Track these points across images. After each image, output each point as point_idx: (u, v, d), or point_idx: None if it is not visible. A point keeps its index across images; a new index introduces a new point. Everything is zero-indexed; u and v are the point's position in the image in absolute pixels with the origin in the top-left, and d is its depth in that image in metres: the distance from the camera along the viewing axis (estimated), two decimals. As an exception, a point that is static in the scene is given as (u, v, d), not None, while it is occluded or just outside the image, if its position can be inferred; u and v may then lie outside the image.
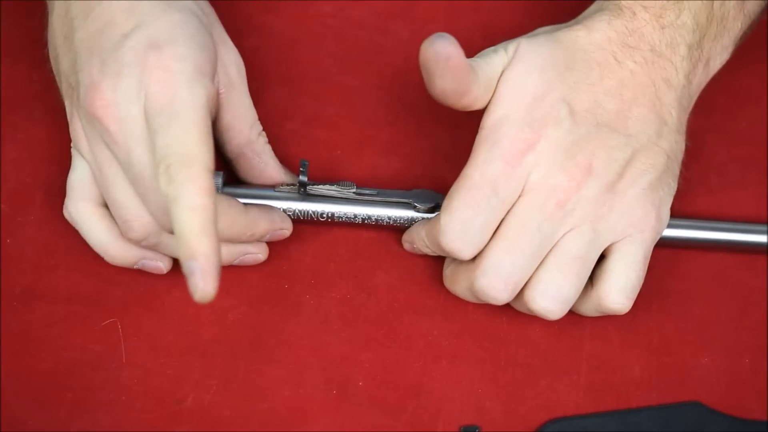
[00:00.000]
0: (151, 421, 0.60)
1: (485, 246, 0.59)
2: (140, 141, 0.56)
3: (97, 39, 0.57)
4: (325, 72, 0.69)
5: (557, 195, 0.59)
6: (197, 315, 0.63)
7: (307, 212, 0.64)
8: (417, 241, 0.63)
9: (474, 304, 0.64)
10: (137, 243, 0.60)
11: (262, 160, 0.64)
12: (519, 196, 0.59)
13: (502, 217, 0.59)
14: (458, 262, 0.62)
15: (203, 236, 0.52)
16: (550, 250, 0.59)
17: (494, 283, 0.59)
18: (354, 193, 0.64)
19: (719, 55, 0.63)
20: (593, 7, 0.62)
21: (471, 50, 0.66)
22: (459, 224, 0.59)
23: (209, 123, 0.56)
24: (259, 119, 0.64)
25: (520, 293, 0.60)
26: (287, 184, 0.64)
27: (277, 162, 0.64)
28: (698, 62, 0.62)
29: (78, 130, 0.60)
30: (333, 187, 0.64)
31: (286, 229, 0.63)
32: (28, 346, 0.62)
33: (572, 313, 0.62)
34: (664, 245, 0.64)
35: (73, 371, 0.61)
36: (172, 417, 0.60)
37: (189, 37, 0.57)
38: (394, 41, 0.70)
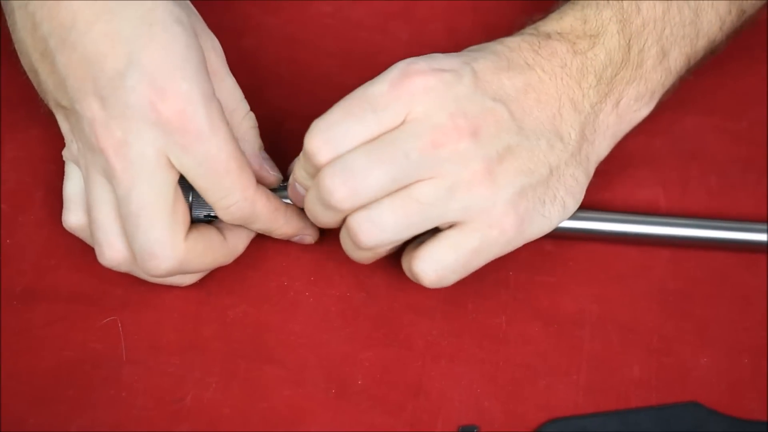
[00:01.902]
0: (152, 418, 0.60)
1: None
2: (145, 181, 0.57)
3: (86, 70, 0.57)
4: (325, 72, 0.69)
5: (436, 134, 0.57)
6: (197, 313, 0.63)
7: None
8: (296, 165, 0.61)
9: (473, 303, 0.64)
10: (108, 268, 0.61)
11: (242, 148, 0.63)
12: (398, 125, 0.58)
13: (373, 135, 0.57)
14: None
15: (284, 225, 0.62)
16: (398, 189, 0.58)
17: (338, 177, 0.57)
18: None
19: (633, 101, 0.63)
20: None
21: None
22: (325, 124, 0.58)
23: (231, 132, 0.58)
24: (259, 119, 0.64)
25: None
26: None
27: (259, 152, 0.64)
28: (606, 97, 0.62)
29: (75, 149, 0.60)
30: None
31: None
32: (28, 345, 0.62)
33: (572, 314, 0.62)
34: (665, 244, 0.64)
35: (74, 370, 0.61)
36: (172, 415, 0.60)
37: (185, 62, 0.57)
38: (394, 41, 0.70)
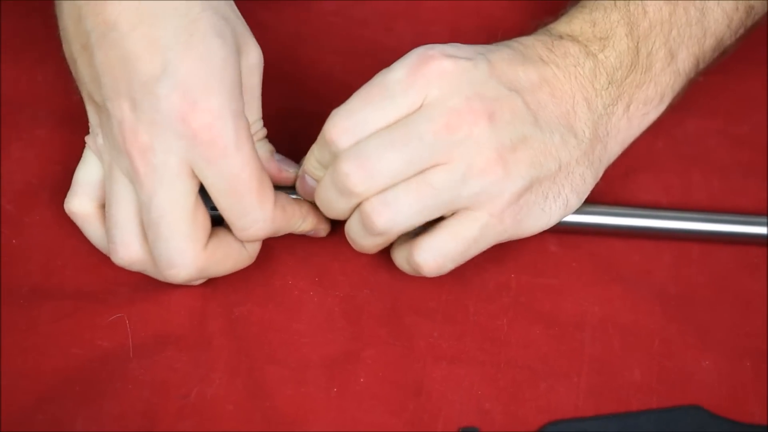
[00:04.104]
0: (157, 414, 0.61)
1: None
2: (166, 189, 0.57)
3: (122, 70, 0.57)
4: (328, 70, 0.69)
5: (451, 117, 0.58)
6: (203, 310, 0.63)
7: None
8: (308, 158, 0.61)
9: (475, 305, 0.64)
10: (122, 267, 0.61)
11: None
12: (415, 110, 0.58)
13: (392, 121, 0.58)
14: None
15: (301, 226, 0.63)
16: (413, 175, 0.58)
17: (354, 162, 0.57)
18: None
19: (643, 104, 0.63)
20: None
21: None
22: (344, 113, 0.58)
23: (256, 151, 0.59)
24: (263, 117, 0.64)
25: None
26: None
27: (270, 156, 0.63)
28: (618, 100, 0.62)
29: (101, 142, 0.60)
30: None
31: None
32: (35, 343, 0.62)
33: (573, 317, 0.62)
34: (665, 238, 0.64)
35: (81, 366, 0.62)
36: (177, 411, 0.61)
37: (219, 77, 0.57)
38: (398, 41, 0.70)
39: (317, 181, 0.61)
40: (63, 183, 0.64)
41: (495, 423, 0.62)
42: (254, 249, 0.63)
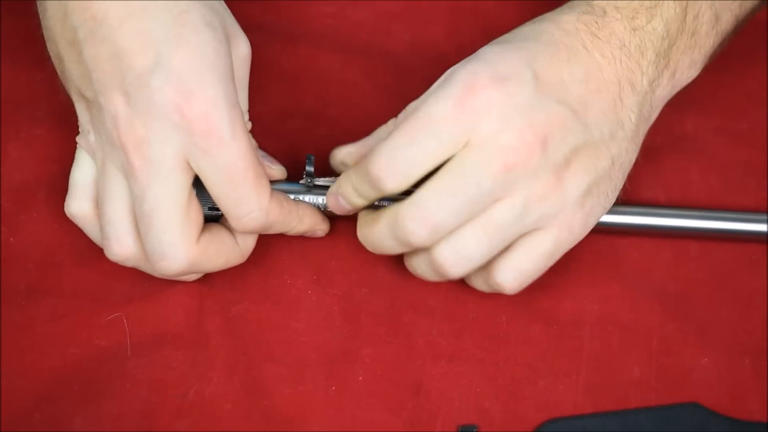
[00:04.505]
0: (155, 412, 0.61)
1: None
2: (161, 181, 0.57)
3: (114, 65, 0.57)
4: (326, 71, 0.69)
5: (506, 156, 0.57)
6: (201, 309, 0.63)
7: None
8: (343, 182, 0.61)
9: (474, 303, 0.64)
10: (115, 263, 0.61)
11: None
12: (464, 146, 0.57)
13: (439, 160, 0.57)
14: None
15: (297, 226, 0.63)
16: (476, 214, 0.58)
17: (418, 218, 0.57)
18: None
19: (687, 69, 0.63)
20: (562, 6, 0.61)
21: (472, 51, 0.65)
22: (390, 150, 0.57)
23: (251, 141, 0.59)
24: (260, 117, 0.65)
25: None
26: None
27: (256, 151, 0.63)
28: (664, 71, 0.62)
29: (93, 139, 0.60)
30: None
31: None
32: (33, 342, 0.62)
33: (572, 314, 0.62)
34: (664, 235, 0.64)
35: (79, 365, 0.62)
36: (175, 409, 0.61)
37: (213, 67, 0.57)
38: (395, 42, 0.70)
39: (351, 205, 0.61)
40: (61, 182, 0.64)
41: (494, 421, 0.62)
42: (247, 247, 0.62)
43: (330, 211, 0.63)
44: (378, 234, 0.60)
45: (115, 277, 0.64)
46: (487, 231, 0.58)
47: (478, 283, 0.62)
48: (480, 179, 0.57)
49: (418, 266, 0.61)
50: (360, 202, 0.61)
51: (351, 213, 0.63)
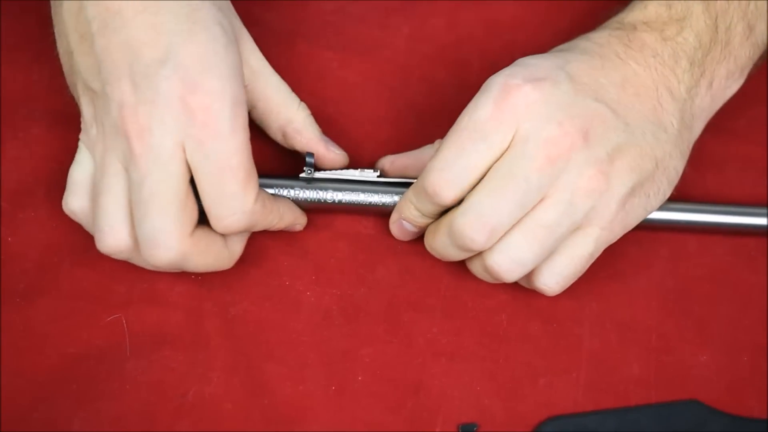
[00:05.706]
0: (155, 413, 0.61)
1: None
2: (160, 170, 0.57)
3: (124, 54, 0.57)
4: (326, 67, 0.69)
5: (549, 148, 0.58)
6: (200, 310, 0.63)
7: (339, 200, 0.64)
8: (404, 206, 0.63)
9: (474, 301, 0.64)
10: (107, 255, 0.61)
11: (303, 138, 0.64)
12: (509, 145, 0.58)
13: (490, 163, 0.59)
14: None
15: (278, 224, 0.63)
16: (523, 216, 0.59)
17: (473, 223, 0.58)
18: (377, 176, 0.64)
19: (725, 79, 0.63)
20: (595, 29, 0.63)
21: (472, 46, 0.66)
22: (442, 163, 0.59)
23: (249, 144, 0.59)
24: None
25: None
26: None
27: (320, 136, 0.65)
28: (700, 79, 0.62)
29: (94, 133, 0.60)
30: (356, 172, 0.64)
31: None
32: (32, 342, 0.62)
33: (571, 312, 0.62)
34: (663, 229, 0.64)
35: (78, 365, 0.62)
36: (174, 410, 0.61)
37: (221, 62, 0.58)
38: (395, 36, 0.70)
39: (417, 227, 0.63)
40: (59, 181, 0.63)
41: (494, 419, 0.62)
42: (235, 251, 0.63)
43: (311, 206, 0.64)
44: (440, 243, 0.61)
45: (115, 278, 0.64)
46: (537, 235, 0.59)
47: (522, 281, 0.63)
48: (527, 174, 0.58)
49: (476, 270, 0.62)
50: (423, 221, 0.62)
51: (418, 235, 0.64)
